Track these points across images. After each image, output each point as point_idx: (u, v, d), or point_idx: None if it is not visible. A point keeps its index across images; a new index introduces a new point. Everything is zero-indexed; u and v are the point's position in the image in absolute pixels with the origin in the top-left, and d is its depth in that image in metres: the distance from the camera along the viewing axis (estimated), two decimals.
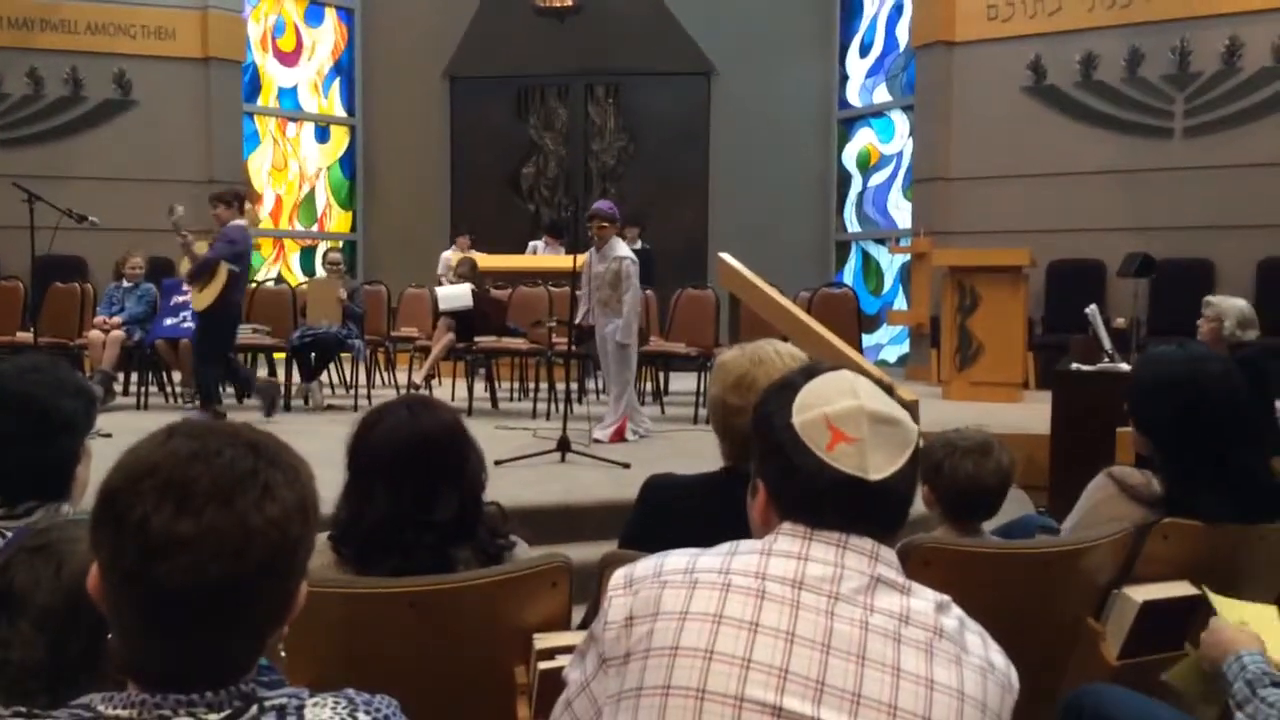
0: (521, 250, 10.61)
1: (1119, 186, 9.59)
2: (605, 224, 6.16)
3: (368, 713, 1.07)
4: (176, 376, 7.77)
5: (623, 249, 6.22)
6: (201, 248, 6.46)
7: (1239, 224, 8.97)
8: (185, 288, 6.52)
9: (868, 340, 10.97)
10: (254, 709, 1.01)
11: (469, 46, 12.54)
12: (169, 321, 7.38)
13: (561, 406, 6.03)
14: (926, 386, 8.88)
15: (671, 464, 2.55)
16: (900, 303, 11.55)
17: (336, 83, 13.00)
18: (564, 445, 5.18)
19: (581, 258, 6.19)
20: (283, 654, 1.15)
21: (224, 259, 6.38)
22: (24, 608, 1.22)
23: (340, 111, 13.03)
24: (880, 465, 1.23)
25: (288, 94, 12.68)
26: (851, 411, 1.25)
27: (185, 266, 6.51)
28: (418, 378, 7.79)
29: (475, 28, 12.48)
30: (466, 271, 7.99)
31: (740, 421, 1.98)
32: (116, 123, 11.01)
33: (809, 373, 1.32)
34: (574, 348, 6.62)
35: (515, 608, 1.84)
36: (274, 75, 12.55)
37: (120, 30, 11.01)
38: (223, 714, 0.99)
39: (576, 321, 6.31)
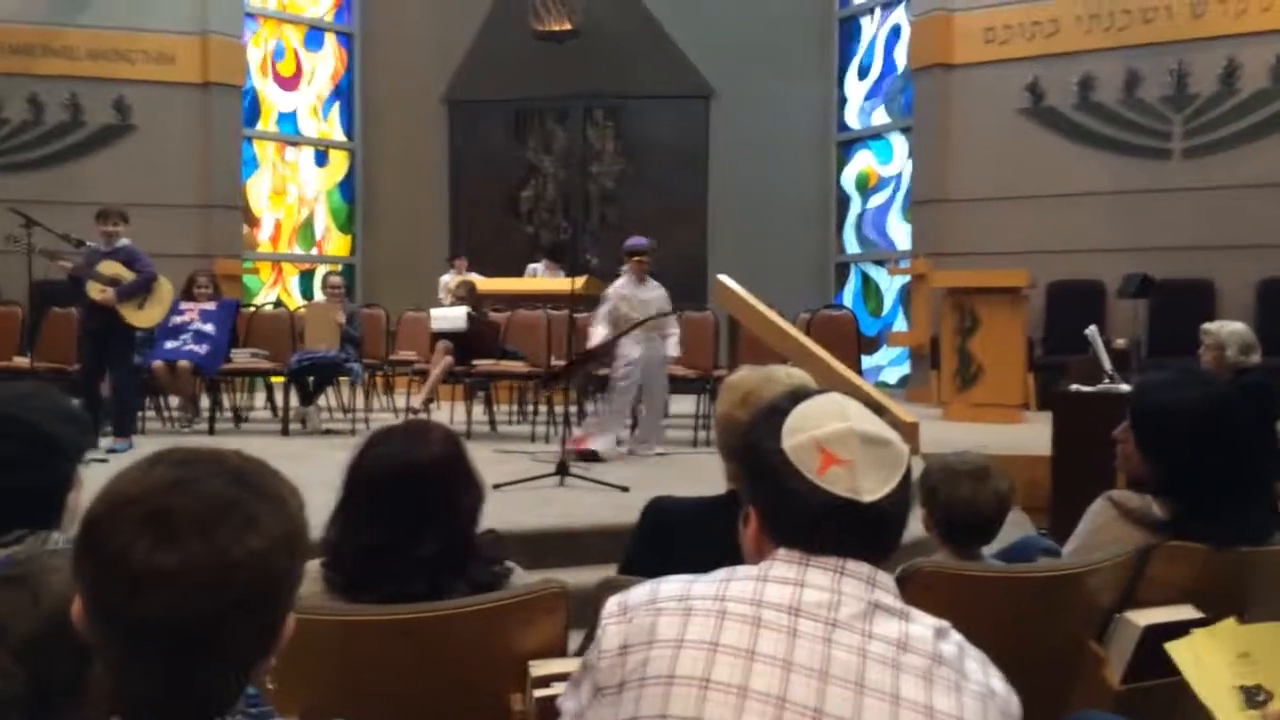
0: (520, 273, 10.62)
1: (1117, 207, 9.61)
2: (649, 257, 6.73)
3: None
4: (174, 401, 7.75)
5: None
6: (111, 268, 6.42)
7: (1238, 244, 8.98)
8: (103, 302, 6.32)
9: (868, 362, 10.95)
10: None
11: (468, 70, 12.60)
12: (170, 345, 7.36)
13: (560, 429, 6.02)
14: (927, 408, 8.86)
15: (670, 487, 2.54)
16: (900, 324, 11.55)
17: (336, 107, 13.06)
18: (563, 468, 5.16)
19: (580, 282, 6.32)
20: (270, 686, 1.12)
21: (155, 274, 6.55)
22: (2, 639, 1.20)
23: (340, 136, 13.08)
24: (873, 487, 1.22)
25: (287, 118, 12.72)
26: (841, 434, 1.24)
27: (98, 292, 6.35)
28: (416, 402, 7.77)
29: (474, 51, 12.54)
30: (464, 294, 7.99)
31: None
32: (116, 148, 11.03)
33: (797, 397, 1.31)
34: (584, 376, 6.86)
35: (511, 634, 1.81)
36: (274, 100, 12.61)
37: (120, 56, 11.06)
38: None
39: (595, 346, 6.46)
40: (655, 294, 6.63)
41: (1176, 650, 1.89)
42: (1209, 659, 1.87)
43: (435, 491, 1.85)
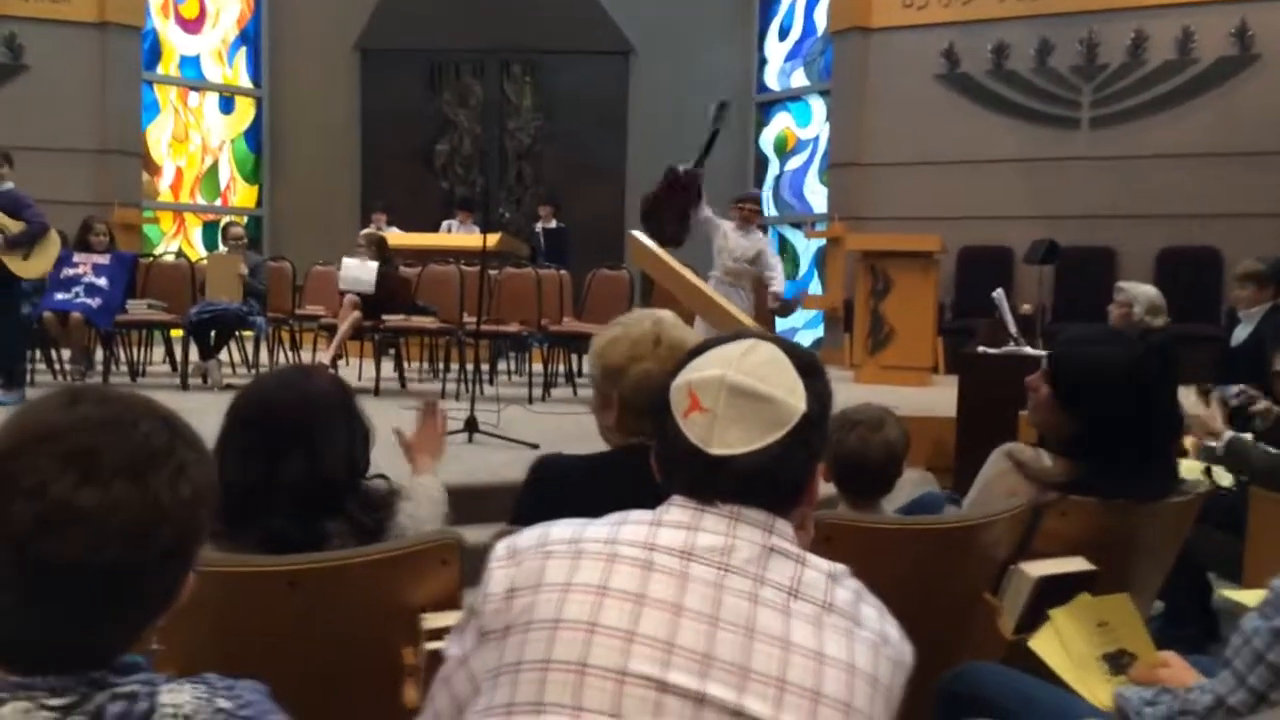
0: (435, 228, 10.43)
1: (1027, 175, 9.80)
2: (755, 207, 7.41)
3: (228, 698, 1.00)
4: (65, 354, 7.45)
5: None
6: None
7: (1140, 214, 9.24)
8: None
9: (782, 324, 11.03)
10: (101, 695, 0.93)
11: (381, 19, 12.26)
12: (60, 296, 7.05)
13: (470, 387, 5.95)
14: (839, 370, 8.97)
15: (581, 445, 2.49)
16: (815, 287, 11.67)
17: (242, 52, 12.60)
18: (471, 425, 5.10)
19: (494, 238, 6.21)
20: (155, 646, 1.07)
21: (47, 225, 6.26)
22: None
23: (246, 82, 12.64)
24: (730, 441, 1.18)
25: (190, 62, 12.25)
26: (710, 381, 1.20)
27: None
28: (324, 358, 7.59)
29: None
30: (370, 246, 7.79)
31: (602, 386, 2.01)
32: (6, 89, 10.52)
33: (729, 339, 1.28)
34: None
35: (403, 586, 1.76)
36: (175, 43, 12.11)
37: None
38: (64, 700, 0.91)
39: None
40: (755, 244, 7.29)
41: (1039, 643, 1.93)
42: (1071, 633, 1.93)
43: (294, 424, 1.81)
